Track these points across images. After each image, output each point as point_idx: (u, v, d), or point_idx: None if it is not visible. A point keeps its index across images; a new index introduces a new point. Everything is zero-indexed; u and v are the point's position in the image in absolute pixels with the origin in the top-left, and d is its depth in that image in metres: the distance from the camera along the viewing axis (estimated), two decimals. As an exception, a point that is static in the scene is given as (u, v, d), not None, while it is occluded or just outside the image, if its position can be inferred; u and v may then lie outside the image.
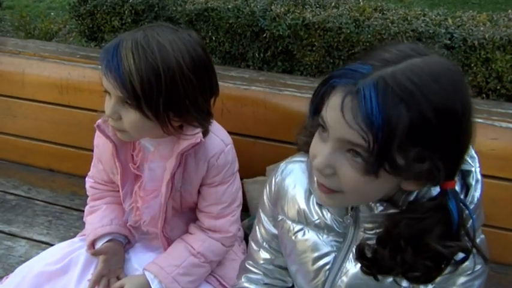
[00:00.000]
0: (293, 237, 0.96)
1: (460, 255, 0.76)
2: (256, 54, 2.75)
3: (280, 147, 1.57)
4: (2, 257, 1.54)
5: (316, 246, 0.92)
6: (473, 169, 0.81)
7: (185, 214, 1.32)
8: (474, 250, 0.77)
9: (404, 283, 0.84)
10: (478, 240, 0.83)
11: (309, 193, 0.94)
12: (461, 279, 0.85)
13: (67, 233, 1.64)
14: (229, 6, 2.70)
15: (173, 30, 1.09)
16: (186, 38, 1.07)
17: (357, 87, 0.68)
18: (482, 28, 2.43)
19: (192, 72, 1.05)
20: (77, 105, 1.80)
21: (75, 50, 1.94)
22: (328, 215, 0.91)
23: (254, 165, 1.52)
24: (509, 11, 2.68)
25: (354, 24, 2.51)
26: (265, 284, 1.08)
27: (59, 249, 1.33)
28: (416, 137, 0.67)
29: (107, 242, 1.27)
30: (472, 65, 2.43)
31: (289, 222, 0.97)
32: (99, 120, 1.17)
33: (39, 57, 1.85)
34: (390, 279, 0.85)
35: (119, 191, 1.28)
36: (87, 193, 1.38)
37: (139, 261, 1.29)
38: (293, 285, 1.07)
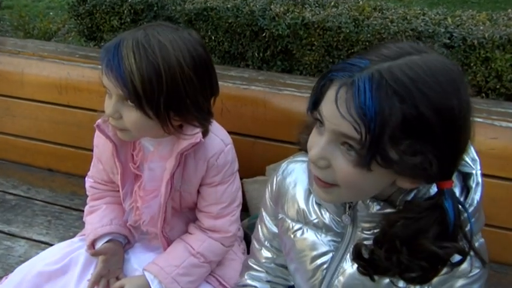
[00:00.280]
0: (292, 236, 0.97)
1: (457, 257, 0.75)
2: (256, 54, 2.75)
3: (280, 147, 1.57)
4: (1, 257, 1.54)
5: (315, 245, 0.93)
6: (474, 172, 0.81)
7: (184, 214, 1.32)
8: (472, 253, 0.76)
9: (401, 284, 0.83)
10: (477, 244, 0.83)
11: (308, 193, 0.95)
12: (459, 283, 0.84)
13: (66, 232, 1.64)
14: (229, 6, 2.70)
15: (173, 29, 1.09)
16: (187, 37, 1.08)
17: (352, 79, 0.69)
18: (481, 27, 2.43)
19: (193, 71, 1.05)
20: (76, 105, 1.80)
21: (74, 50, 1.94)
22: (326, 215, 0.91)
23: (254, 165, 1.52)
24: (509, 10, 2.68)
25: (354, 23, 2.51)
26: (268, 281, 1.09)
27: (59, 249, 1.33)
28: (409, 130, 0.67)
29: (106, 242, 1.26)
30: (472, 64, 2.43)
31: (289, 221, 0.98)
32: (99, 120, 1.17)
33: (39, 57, 1.85)
34: (387, 280, 0.85)
35: (118, 190, 1.28)
36: (87, 193, 1.38)
37: (139, 261, 1.29)
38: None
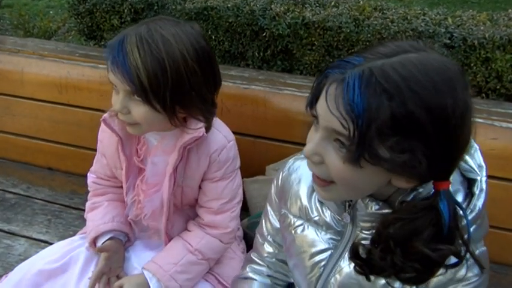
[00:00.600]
0: (293, 232, 0.98)
1: (454, 259, 0.75)
2: (256, 53, 2.75)
3: (280, 147, 1.57)
4: (1, 256, 1.54)
5: (314, 242, 0.94)
6: (479, 178, 0.80)
7: (185, 212, 1.32)
8: (469, 257, 0.75)
9: (397, 284, 0.83)
10: (478, 251, 0.82)
11: (312, 190, 0.95)
12: None
13: (66, 231, 1.64)
14: (229, 5, 2.70)
15: (175, 22, 1.11)
16: (189, 31, 1.10)
17: (343, 76, 0.70)
18: (482, 27, 2.43)
19: (197, 63, 1.07)
20: (76, 104, 1.80)
21: (74, 49, 1.93)
22: (328, 213, 0.92)
23: (254, 164, 1.52)
24: (510, 10, 2.68)
25: (354, 23, 2.51)
26: (268, 276, 1.11)
27: (59, 248, 1.33)
28: (398, 128, 0.67)
29: (108, 239, 1.27)
30: (472, 64, 2.43)
31: (291, 217, 0.99)
32: (105, 114, 1.19)
33: (39, 56, 1.85)
34: (383, 280, 0.84)
35: (120, 187, 1.29)
36: (89, 188, 1.38)
37: (139, 260, 1.29)
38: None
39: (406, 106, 0.66)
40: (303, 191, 0.97)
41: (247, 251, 1.29)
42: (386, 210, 0.80)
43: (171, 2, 3.01)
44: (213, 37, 2.81)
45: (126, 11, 3.01)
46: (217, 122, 1.23)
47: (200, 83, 1.09)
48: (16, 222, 1.68)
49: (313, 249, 0.93)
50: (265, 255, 1.11)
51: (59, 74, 1.79)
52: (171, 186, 1.19)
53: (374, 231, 0.80)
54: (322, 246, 0.93)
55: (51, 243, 1.50)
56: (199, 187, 1.26)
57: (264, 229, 1.10)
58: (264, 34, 2.66)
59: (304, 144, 0.80)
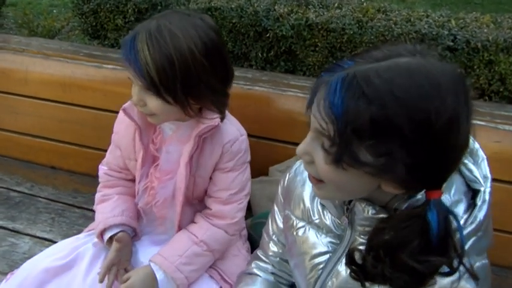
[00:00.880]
0: (294, 233, 0.99)
1: (446, 269, 0.72)
2: (259, 54, 2.75)
3: (283, 148, 1.58)
4: (6, 254, 1.55)
5: (314, 244, 0.94)
6: (482, 189, 0.79)
7: (194, 206, 1.34)
8: (463, 270, 0.73)
9: None
10: (478, 264, 0.80)
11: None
12: None
13: (70, 230, 1.65)
14: (233, 6, 2.70)
15: (185, 16, 1.14)
16: (198, 23, 1.13)
17: (330, 79, 0.71)
18: (485, 30, 2.42)
19: (204, 56, 1.10)
20: (80, 103, 1.81)
21: (78, 48, 1.94)
22: (328, 216, 0.93)
23: (257, 165, 1.52)
24: (513, 12, 2.67)
25: (357, 25, 2.51)
26: (273, 273, 1.13)
27: (65, 245, 1.34)
28: (376, 132, 0.67)
29: (118, 232, 1.28)
30: (475, 67, 2.42)
31: (293, 218, 1.00)
32: (126, 104, 1.24)
33: (43, 55, 1.86)
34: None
35: (131, 180, 1.33)
36: (99, 180, 1.39)
37: (145, 254, 1.31)
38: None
39: (386, 110, 0.66)
40: (307, 193, 0.98)
41: (252, 251, 1.30)
42: (382, 215, 0.79)
43: (174, 2, 3.01)
44: (217, 37, 2.81)
45: (130, 11, 3.01)
46: (230, 118, 1.28)
47: (209, 75, 1.12)
48: (20, 220, 1.69)
49: (313, 251, 0.94)
50: (270, 253, 1.13)
51: (63, 74, 1.80)
52: (187, 175, 1.22)
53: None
54: (321, 249, 0.93)
55: (55, 242, 1.51)
56: (210, 178, 1.28)
57: (270, 228, 1.12)
58: (268, 35, 2.66)
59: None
